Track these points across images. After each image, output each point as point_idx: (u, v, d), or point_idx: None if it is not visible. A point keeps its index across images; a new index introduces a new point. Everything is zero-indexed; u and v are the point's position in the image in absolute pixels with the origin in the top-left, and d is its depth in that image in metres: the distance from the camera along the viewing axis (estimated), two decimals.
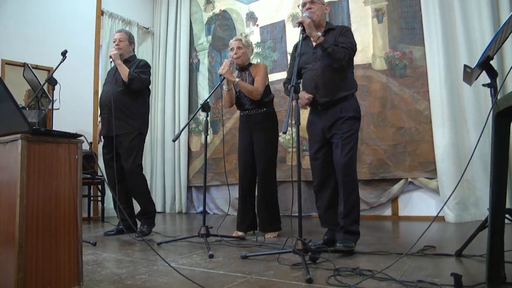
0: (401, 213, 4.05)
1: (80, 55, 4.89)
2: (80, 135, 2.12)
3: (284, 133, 2.13)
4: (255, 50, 4.91)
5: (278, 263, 2.24)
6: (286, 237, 2.75)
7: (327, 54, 2.63)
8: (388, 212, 4.11)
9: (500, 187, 1.75)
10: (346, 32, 2.75)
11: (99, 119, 3.77)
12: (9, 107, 1.82)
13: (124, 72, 3.41)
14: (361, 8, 4.37)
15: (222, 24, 5.48)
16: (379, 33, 4.24)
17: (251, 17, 5.18)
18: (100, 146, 5.02)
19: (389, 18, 4.20)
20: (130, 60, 3.62)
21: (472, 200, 3.63)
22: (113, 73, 3.59)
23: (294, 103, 2.34)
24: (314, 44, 2.70)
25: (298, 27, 2.66)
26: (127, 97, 3.48)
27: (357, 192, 2.71)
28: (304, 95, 2.71)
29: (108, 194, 4.92)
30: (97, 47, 5.26)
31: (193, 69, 5.68)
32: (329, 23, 2.90)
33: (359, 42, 4.19)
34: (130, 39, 3.69)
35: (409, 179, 3.95)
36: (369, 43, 4.28)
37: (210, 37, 5.58)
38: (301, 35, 2.65)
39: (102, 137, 3.61)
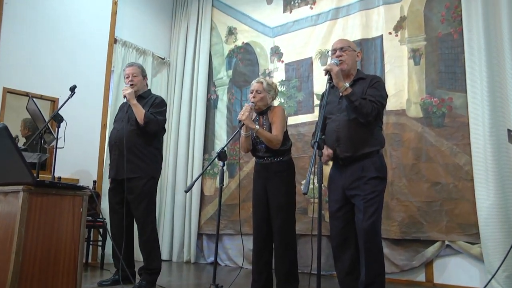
0: (437, 280, 3.96)
1: (88, 85, 5.03)
2: (87, 187, 2.21)
3: (305, 193, 2.19)
4: (278, 89, 5.02)
5: None
6: None
7: (353, 107, 2.70)
8: (421, 277, 4.03)
9: None
10: (376, 84, 2.82)
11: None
12: (14, 160, 1.94)
13: (140, 113, 3.50)
14: (396, 47, 4.44)
15: (244, 59, 5.64)
16: (415, 76, 4.28)
17: (276, 52, 5.32)
18: (104, 184, 5.18)
19: (427, 60, 4.25)
20: (144, 96, 3.74)
21: None
22: (126, 109, 3.64)
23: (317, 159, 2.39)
24: (341, 93, 2.77)
25: (325, 75, 2.75)
26: (139, 137, 3.56)
27: (381, 260, 2.72)
28: (324, 151, 2.75)
29: (109, 239, 4.99)
30: (108, 77, 5.44)
31: (210, 106, 5.83)
32: (360, 72, 2.98)
33: (392, 85, 4.31)
34: (143, 72, 3.83)
35: (446, 242, 3.88)
36: (404, 87, 4.32)
37: (230, 72, 5.74)
38: (328, 84, 2.73)
39: (110, 179, 3.70)
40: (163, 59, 6.20)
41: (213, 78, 5.89)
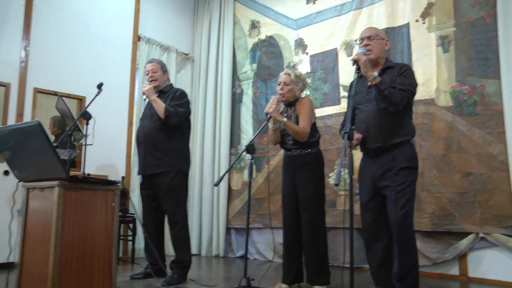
0: (472, 274, 3.86)
1: (114, 83, 5.10)
2: (118, 182, 2.25)
3: (337, 185, 2.19)
4: None
5: None
6: None
7: (382, 96, 2.67)
8: (454, 271, 3.95)
9: None
10: (405, 72, 2.78)
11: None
12: (49, 156, 1.99)
13: (159, 108, 3.54)
14: (424, 35, 4.35)
15: (268, 52, 5.62)
16: (444, 64, 4.19)
17: (300, 45, 5.29)
18: (132, 180, 5.27)
19: (456, 47, 4.14)
20: (166, 90, 3.79)
21: None
22: (150, 106, 3.73)
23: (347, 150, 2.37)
24: (369, 83, 2.74)
25: (353, 65, 2.73)
26: (163, 132, 3.60)
27: (415, 252, 2.69)
28: (354, 136, 2.73)
29: (140, 233, 5.06)
30: (133, 74, 5.53)
31: (235, 100, 5.84)
32: (388, 60, 2.95)
33: (420, 74, 4.22)
34: (163, 67, 3.87)
35: (481, 235, 3.78)
36: (432, 76, 4.23)
37: (255, 65, 5.74)
38: (356, 74, 2.71)
39: (140, 176, 3.76)
40: (187, 55, 6.24)
41: (238, 72, 5.90)
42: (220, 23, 6.08)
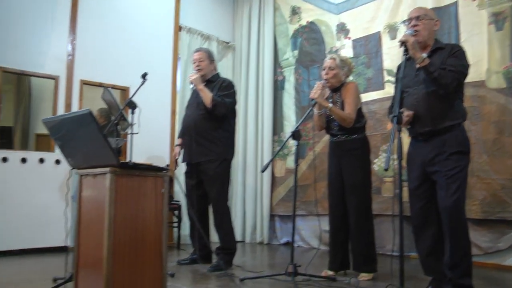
0: None
1: (156, 73, 5.14)
2: (167, 169, 2.29)
3: (386, 170, 2.15)
4: None
5: None
6: (383, 282, 2.75)
7: (432, 78, 2.58)
8: (510, 261, 3.77)
9: None
10: (457, 53, 2.68)
11: (176, 141, 3.96)
12: (100, 143, 2.04)
13: (206, 98, 3.56)
14: (474, 13, 4.13)
15: (309, 38, 5.55)
16: (497, 43, 3.97)
17: (342, 29, 5.19)
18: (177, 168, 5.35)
19: None
20: (213, 80, 3.79)
21: None
22: (196, 95, 3.76)
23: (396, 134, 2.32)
24: (417, 65, 2.66)
25: (400, 46, 2.65)
26: (209, 121, 3.63)
27: (467, 239, 2.61)
28: (404, 112, 2.66)
29: (185, 220, 5.15)
30: (175, 64, 5.62)
31: (277, 87, 5.82)
32: (438, 41, 2.84)
33: (470, 55, 3.98)
34: (210, 57, 3.86)
35: None
36: (483, 56, 4.02)
37: (296, 52, 5.69)
38: (404, 56, 2.63)
39: (185, 163, 3.81)
40: (228, 43, 6.25)
41: (279, 59, 5.87)
42: (260, 10, 6.06)
